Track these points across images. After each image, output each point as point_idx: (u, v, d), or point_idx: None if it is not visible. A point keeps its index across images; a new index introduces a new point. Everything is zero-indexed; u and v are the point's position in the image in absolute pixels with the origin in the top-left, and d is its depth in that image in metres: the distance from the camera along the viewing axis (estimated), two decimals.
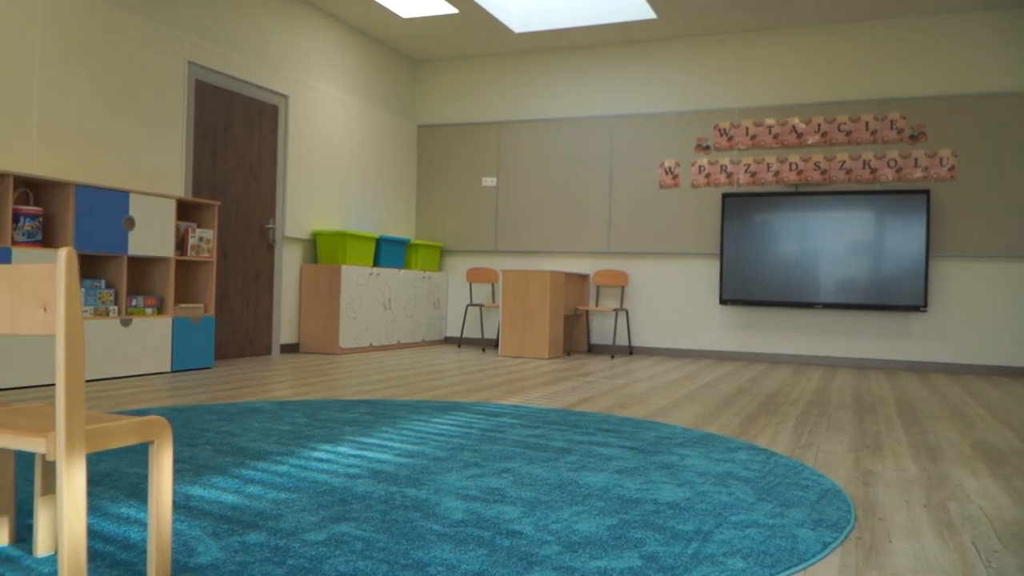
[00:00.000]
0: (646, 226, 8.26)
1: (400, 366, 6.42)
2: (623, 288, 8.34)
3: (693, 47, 8.20)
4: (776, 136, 7.83)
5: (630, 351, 8.30)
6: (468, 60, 9.16)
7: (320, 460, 2.89)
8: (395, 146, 8.95)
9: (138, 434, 1.63)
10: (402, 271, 8.23)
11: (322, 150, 7.76)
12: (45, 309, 1.48)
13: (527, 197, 8.77)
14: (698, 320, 8.10)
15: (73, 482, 1.47)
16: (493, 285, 8.91)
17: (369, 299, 7.70)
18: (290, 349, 7.39)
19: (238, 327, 6.83)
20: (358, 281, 7.53)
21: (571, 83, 8.68)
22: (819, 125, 7.69)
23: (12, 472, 1.87)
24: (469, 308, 8.99)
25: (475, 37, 8.46)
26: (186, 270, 6.02)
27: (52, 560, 1.80)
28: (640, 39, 8.39)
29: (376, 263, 8.01)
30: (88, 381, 4.94)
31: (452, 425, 3.69)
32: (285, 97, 7.29)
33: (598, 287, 8.47)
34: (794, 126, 7.77)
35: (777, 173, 7.82)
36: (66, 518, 1.47)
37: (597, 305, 8.49)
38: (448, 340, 9.17)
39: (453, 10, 7.62)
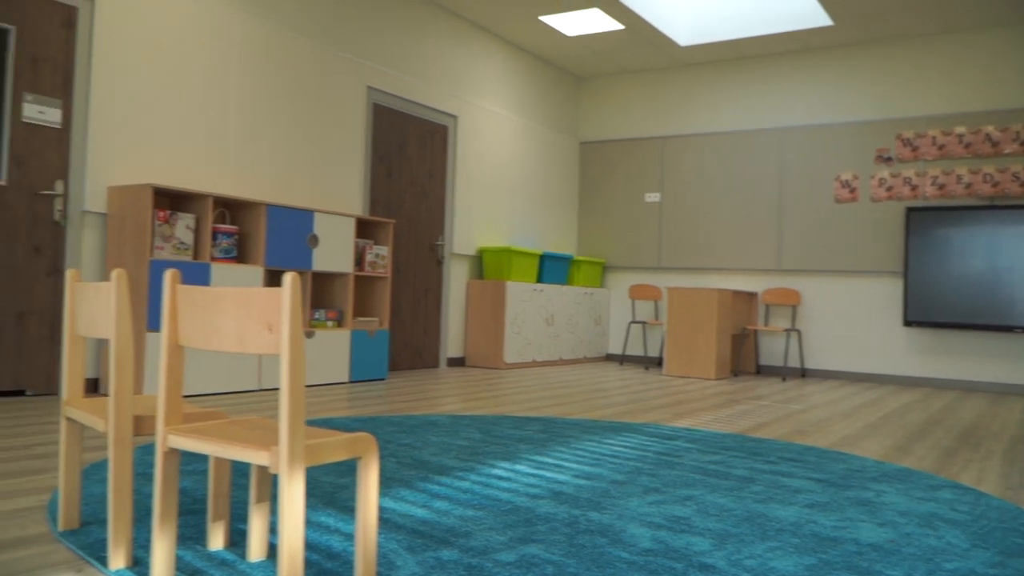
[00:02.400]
0: (820, 242, 7.88)
1: (564, 383, 6.43)
2: (795, 307, 7.99)
3: (871, 53, 7.78)
4: (968, 145, 7.28)
5: (802, 374, 7.93)
6: (632, 75, 9.10)
7: (500, 478, 2.91)
8: (558, 163, 9.01)
9: (349, 450, 1.69)
10: (565, 287, 8.25)
11: (488, 168, 7.92)
12: (270, 330, 1.56)
13: (692, 213, 8.59)
14: (879, 342, 7.63)
15: (293, 494, 1.54)
16: (656, 302, 8.77)
17: (532, 315, 7.76)
18: (456, 363, 7.57)
19: (409, 340, 7.06)
20: (522, 297, 7.62)
21: (739, 95, 8.44)
22: (1018, 132, 7.08)
23: (228, 480, 1.99)
24: (632, 325, 8.89)
25: (640, 52, 8.39)
26: (363, 285, 6.30)
27: (264, 565, 1.90)
28: (814, 47, 8.04)
29: (539, 279, 8.08)
30: (278, 389, 5.25)
31: (626, 447, 3.63)
32: (454, 117, 7.50)
33: (767, 306, 8.16)
34: (988, 134, 7.19)
35: (969, 185, 7.26)
36: (286, 528, 1.54)
37: (767, 324, 8.17)
38: (610, 357, 9.10)
39: (619, 26, 7.60)
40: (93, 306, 1.91)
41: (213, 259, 5.02)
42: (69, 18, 4.66)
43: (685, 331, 7.39)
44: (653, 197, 8.84)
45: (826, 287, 7.89)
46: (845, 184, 7.81)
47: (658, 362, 8.81)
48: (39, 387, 4.56)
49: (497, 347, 7.44)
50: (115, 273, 1.80)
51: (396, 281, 6.92)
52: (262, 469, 1.92)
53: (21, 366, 4.48)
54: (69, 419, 2.05)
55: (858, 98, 7.83)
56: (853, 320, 7.75)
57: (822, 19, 7.30)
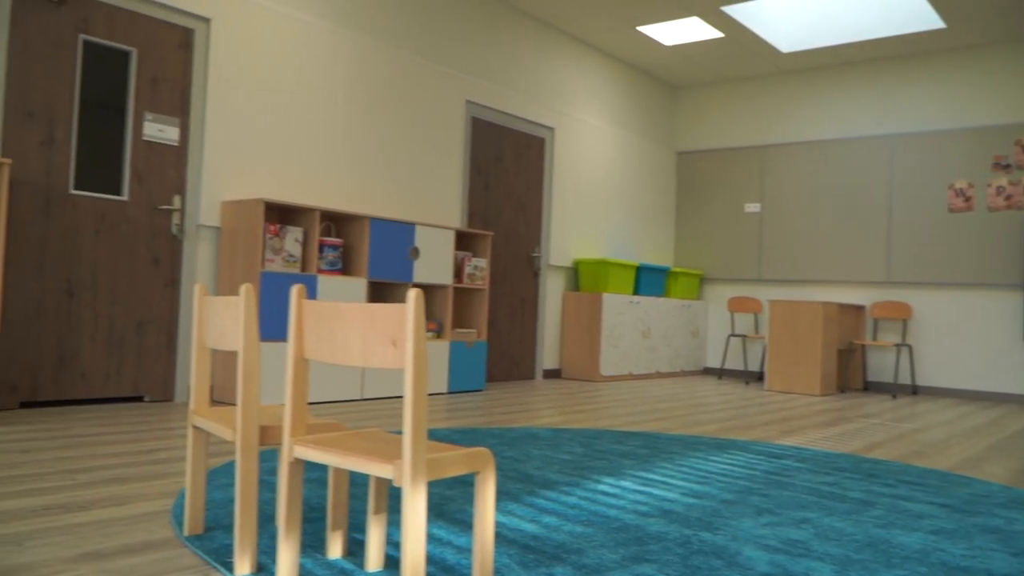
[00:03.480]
0: (933, 254, 7.54)
1: (663, 397, 6.33)
2: (905, 321, 7.66)
3: (986, 56, 7.42)
4: None
5: (913, 391, 7.59)
6: (730, 83, 8.94)
7: (606, 494, 2.88)
8: (654, 173, 8.91)
9: (468, 464, 1.70)
10: (661, 299, 8.14)
11: (584, 179, 7.90)
12: (394, 345, 1.58)
13: (794, 223, 8.35)
14: (997, 359, 7.24)
15: (416, 507, 1.56)
16: (756, 315, 8.56)
17: (629, 327, 7.69)
18: (552, 375, 7.55)
19: (505, 351, 7.09)
20: (618, 309, 7.55)
21: (844, 101, 8.18)
22: None
23: (346, 490, 2.02)
24: (731, 338, 8.70)
25: (739, 60, 8.23)
26: (462, 297, 6.36)
27: None
28: (924, 51, 7.73)
29: (636, 291, 7.99)
30: (382, 398, 5.35)
31: (733, 465, 3.54)
32: (551, 129, 7.52)
33: (875, 320, 7.85)
34: None
35: None
36: (409, 540, 1.55)
37: (875, 339, 7.86)
38: (707, 371, 8.92)
39: (719, 34, 7.48)
40: (221, 319, 1.98)
41: (319, 271, 5.16)
42: (186, 39, 4.88)
43: (788, 345, 7.18)
44: (753, 207, 8.64)
45: (939, 300, 7.54)
46: (959, 193, 7.45)
47: (759, 377, 8.58)
48: (156, 394, 4.77)
49: (593, 359, 7.39)
50: (243, 288, 1.86)
51: (493, 293, 6.97)
52: (380, 480, 1.94)
53: (140, 373, 4.70)
54: (196, 427, 2.13)
55: (973, 103, 7.47)
56: (969, 335, 7.38)
57: (933, 22, 7.01)
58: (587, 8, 7.02)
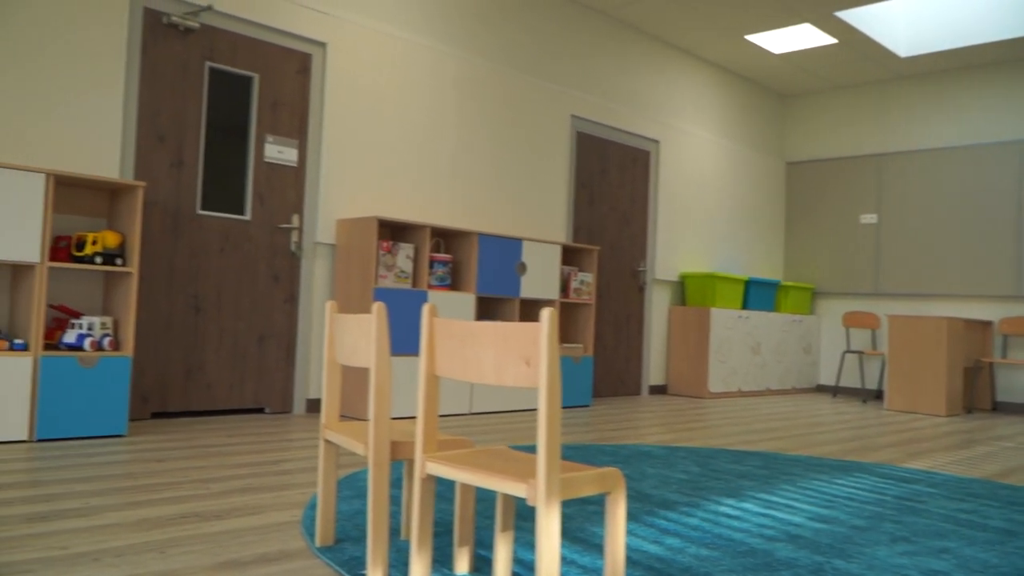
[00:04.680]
0: None
1: (776, 415, 6.14)
2: None
3: None
4: None
5: None
6: (843, 90, 8.65)
7: (728, 516, 2.80)
8: (763, 185, 8.70)
9: (599, 485, 1.68)
10: (772, 314, 7.92)
11: (690, 192, 7.77)
12: (528, 364, 1.58)
13: (914, 234, 7.99)
14: None
15: (550, 526, 1.54)
16: (873, 331, 8.21)
17: (738, 342, 7.50)
18: (658, 390, 7.44)
19: (611, 367, 7.03)
20: (727, 324, 7.38)
21: (968, 107, 7.79)
22: None
23: (473, 506, 2.03)
24: (846, 355, 8.37)
25: (853, 66, 7.96)
26: (568, 311, 6.34)
27: None
28: None
29: (745, 305, 7.80)
30: (493, 412, 5.38)
31: (859, 488, 3.39)
32: (656, 142, 7.44)
33: (1005, 336, 7.41)
34: None
35: None
36: (543, 559, 1.54)
37: (1004, 357, 7.42)
38: (820, 388, 8.61)
39: (832, 40, 7.25)
40: (353, 336, 2.02)
41: (430, 286, 5.24)
42: (304, 64, 5.06)
43: (909, 362, 6.85)
44: (869, 218, 8.32)
45: None
46: None
47: (876, 395, 8.22)
48: (276, 406, 4.93)
49: (701, 375, 7.24)
50: (375, 306, 1.90)
51: (599, 307, 6.92)
52: (507, 498, 1.94)
53: (261, 386, 4.87)
54: (327, 441, 2.18)
55: None
56: None
57: None
58: (694, 19, 6.93)
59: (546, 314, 1.53)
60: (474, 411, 5.36)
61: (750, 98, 8.56)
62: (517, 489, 1.58)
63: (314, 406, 5.07)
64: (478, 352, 1.67)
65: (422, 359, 1.79)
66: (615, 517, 1.72)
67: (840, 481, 3.54)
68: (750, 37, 7.29)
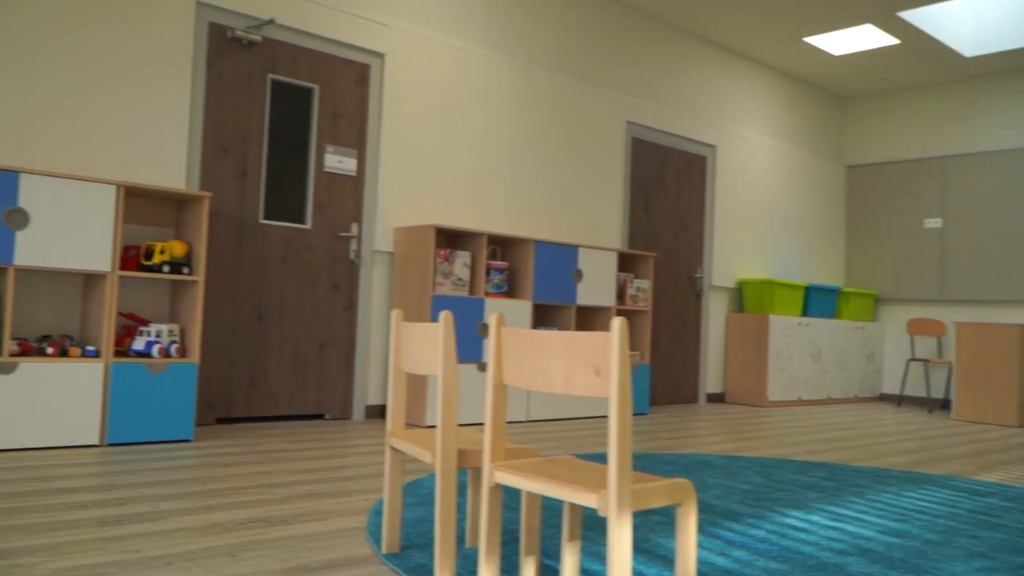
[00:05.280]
0: None
1: (838, 424, 6.00)
2: None
3: None
4: None
5: None
6: (905, 92, 8.45)
7: (795, 528, 2.74)
8: (822, 189, 8.54)
9: (670, 496, 1.66)
10: (832, 321, 7.76)
11: (747, 197, 7.67)
12: (598, 373, 1.57)
13: (981, 239, 7.75)
14: None
15: (622, 537, 1.53)
16: (939, 338, 7.99)
17: (798, 350, 7.36)
18: (716, 399, 7.34)
19: (667, 374, 6.96)
20: (786, 331, 7.26)
21: None
22: None
23: (539, 516, 2.02)
24: (911, 363, 8.15)
25: (916, 67, 7.77)
26: (624, 318, 6.30)
27: None
28: None
29: (805, 312, 7.66)
30: (547, 420, 5.37)
31: (931, 502, 3.30)
32: (713, 147, 7.36)
33: None
34: None
35: None
36: (615, 570, 1.53)
37: None
38: (884, 397, 8.40)
39: (894, 41, 7.09)
40: (420, 345, 2.04)
41: (487, 294, 5.25)
42: (363, 75, 5.13)
43: (979, 371, 6.65)
44: (933, 223, 8.10)
45: None
46: None
47: (943, 404, 7.99)
48: (336, 412, 4.99)
49: (760, 383, 7.12)
50: (443, 315, 1.90)
51: (655, 314, 6.86)
52: (574, 508, 1.93)
53: (321, 393, 4.93)
54: (393, 448, 2.20)
55: None
56: None
57: None
58: (751, 22, 6.84)
59: (616, 323, 1.52)
60: (532, 419, 5.36)
61: (809, 101, 8.41)
62: (588, 499, 1.57)
63: (373, 412, 5.11)
64: (547, 361, 1.67)
65: (490, 368, 1.79)
66: (686, 529, 1.70)
67: (910, 494, 3.44)
68: (809, 39, 7.17)
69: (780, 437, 5.14)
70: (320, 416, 4.97)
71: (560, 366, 1.64)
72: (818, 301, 7.72)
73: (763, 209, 7.84)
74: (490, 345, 1.79)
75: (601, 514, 1.54)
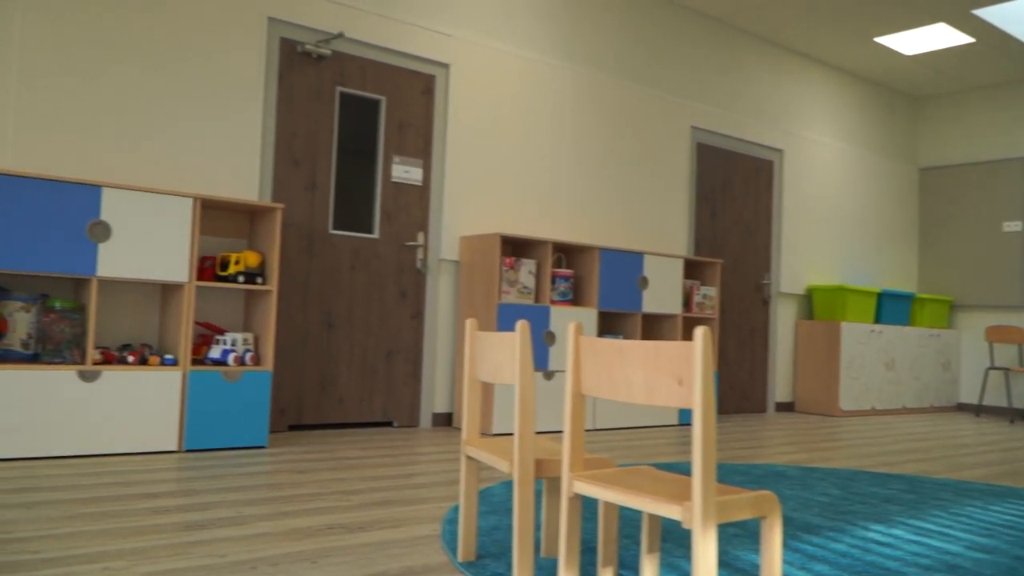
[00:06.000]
0: None
1: (915, 435, 5.83)
2: None
3: None
4: None
5: None
6: (981, 91, 8.18)
7: (878, 542, 2.66)
8: (894, 192, 8.31)
9: (754, 509, 1.63)
10: (906, 328, 7.54)
11: (816, 201, 7.51)
12: (680, 383, 1.55)
13: None
14: None
15: (707, 551, 1.50)
16: (1021, 346, 7.70)
17: (870, 358, 7.17)
18: (785, 408, 7.20)
19: (735, 382, 6.85)
20: (858, 339, 7.07)
21: None
22: None
23: (617, 526, 2.01)
24: (990, 372, 7.87)
25: (991, 66, 7.52)
26: (691, 326, 6.23)
27: None
28: None
29: (877, 319, 7.46)
30: (607, 429, 5.33)
31: (1018, 516, 3.17)
32: (780, 152, 7.23)
33: None
34: None
35: None
36: None
37: None
38: (961, 407, 8.12)
39: (968, 39, 6.88)
40: (496, 354, 2.04)
41: (552, 302, 5.25)
42: (428, 86, 5.18)
43: None
44: (1013, 226, 7.81)
45: None
46: None
47: None
48: (403, 420, 5.04)
49: (831, 392, 6.96)
50: (519, 324, 1.91)
51: (722, 322, 6.77)
52: (654, 519, 1.91)
53: (390, 400, 4.99)
54: (469, 457, 2.21)
55: None
56: None
57: None
58: (819, 23, 6.71)
59: (700, 332, 1.50)
60: (597, 427, 5.33)
61: (879, 102, 8.21)
62: (672, 511, 1.55)
63: (440, 420, 5.15)
64: (627, 371, 1.66)
65: (568, 377, 1.79)
66: (771, 543, 1.66)
67: (995, 508, 3.32)
68: (880, 39, 7.00)
69: (854, 448, 5.01)
70: (388, 423, 5.02)
71: (641, 376, 1.63)
72: (891, 308, 7.51)
73: (833, 214, 7.67)
74: (568, 354, 1.79)
75: (685, 526, 1.52)
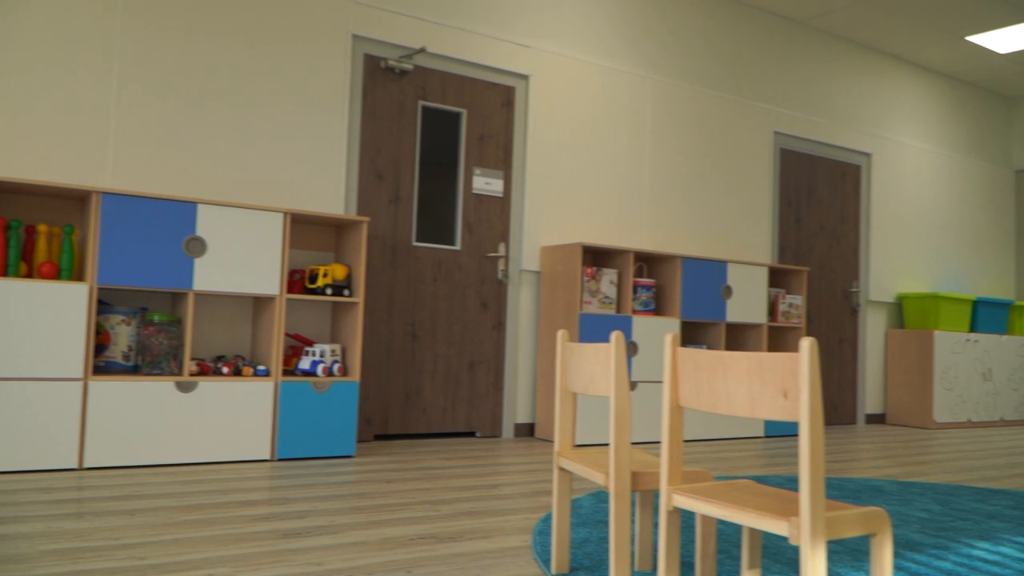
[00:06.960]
0: None
1: (1017, 448, 5.56)
2: None
3: None
4: None
5: None
6: None
7: (985, 560, 2.55)
8: (989, 195, 7.98)
9: (864, 525, 1.58)
10: (1004, 337, 7.22)
11: (906, 206, 7.27)
12: (785, 396, 1.52)
13: None
14: None
15: (816, 568, 1.46)
16: None
17: (966, 368, 6.89)
18: (875, 419, 6.97)
19: (823, 394, 6.66)
20: (953, 348, 6.80)
21: None
22: None
23: (715, 542, 1.97)
24: None
25: None
26: (776, 336, 6.09)
27: None
28: None
29: (973, 328, 7.16)
30: (691, 441, 5.25)
31: None
32: (867, 155, 7.03)
33: None
34: None
35: None
36: None
37: None
38: None
39: None
40: (590, 365, 2.03)
41: (634, 312, 5.21)
42: (508, 97, 5.21)
43: None
44: None
45: None
46: None
47: None
48: (486, 430, 5.06)
49: (925, 404, 6.70)
50: (614, 335, 1.89)
51: (809, 331, 6.60)
52: (754, 534, 1.87)
53: (472, 410, 5.02)
54: (562, 469, 2.20)
55: None
56: None
57: None
58: (906, 23, 6.51)
59: (806, 344, 1.47)
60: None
61: (972, 103, 7.90)
62: (778, 527, 1.51)
63: (522, 431, 5.15)
64: (728, 383, 1.63)
65: (665, 389, 1.77)
66: (881, 561, 1.61)
67: None
68: (971, 38, 6.75)
69: (952, 461, 4.81)
70: (471, 434, 5.05)
71: (745, 388, 1.60)
72: (987, 316, 7.21)
73: (924, 218, 7.40)
74: (665, 366, 1.77)
75: (792, 542, 1.49)
